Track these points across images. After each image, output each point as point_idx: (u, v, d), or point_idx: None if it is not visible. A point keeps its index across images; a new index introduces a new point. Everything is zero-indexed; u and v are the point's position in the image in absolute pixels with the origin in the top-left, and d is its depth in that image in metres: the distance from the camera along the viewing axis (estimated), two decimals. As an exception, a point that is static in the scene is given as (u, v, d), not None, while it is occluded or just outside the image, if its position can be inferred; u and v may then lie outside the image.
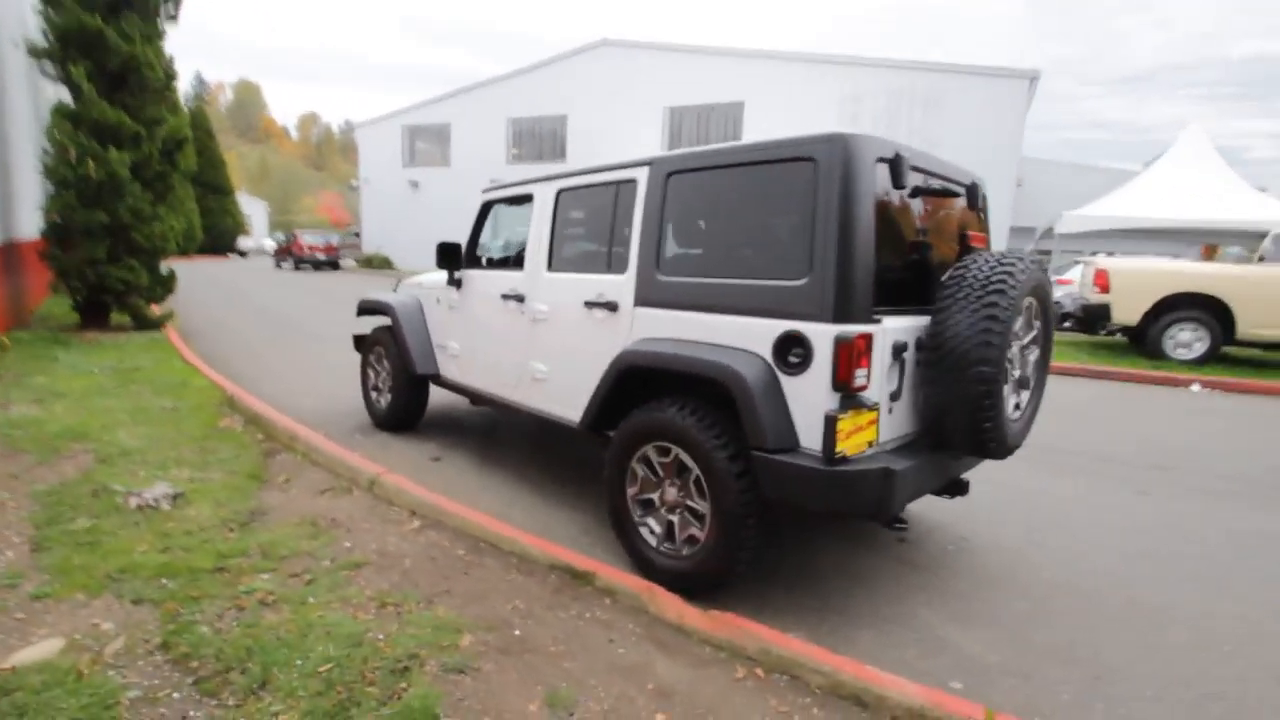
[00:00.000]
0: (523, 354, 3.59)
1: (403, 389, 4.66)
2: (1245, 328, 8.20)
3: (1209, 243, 16.58)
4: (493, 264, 4.32)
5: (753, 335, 2.43)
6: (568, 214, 3.42)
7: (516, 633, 2.29)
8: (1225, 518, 3.78)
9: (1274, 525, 3.69)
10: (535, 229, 3.54)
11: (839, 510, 2.29)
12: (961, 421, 2.40)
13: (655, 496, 2.78)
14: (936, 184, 2.69)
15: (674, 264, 2.79)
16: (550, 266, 3.42)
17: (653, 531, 2.79)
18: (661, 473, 2.74)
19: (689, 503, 2.64)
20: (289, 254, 26.46)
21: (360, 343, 5.23)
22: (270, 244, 41.16)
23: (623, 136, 21.30)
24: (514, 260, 4.38)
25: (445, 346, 4.38)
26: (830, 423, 2.18)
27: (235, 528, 3.04)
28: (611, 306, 2.98)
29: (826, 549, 3.21)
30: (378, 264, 27.25)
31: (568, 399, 3.30)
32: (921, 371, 2.47)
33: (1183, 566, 3.15)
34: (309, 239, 26.37)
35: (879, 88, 17.68)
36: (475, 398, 4.25)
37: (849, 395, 2.24)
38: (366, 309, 5.05)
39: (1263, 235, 15.41)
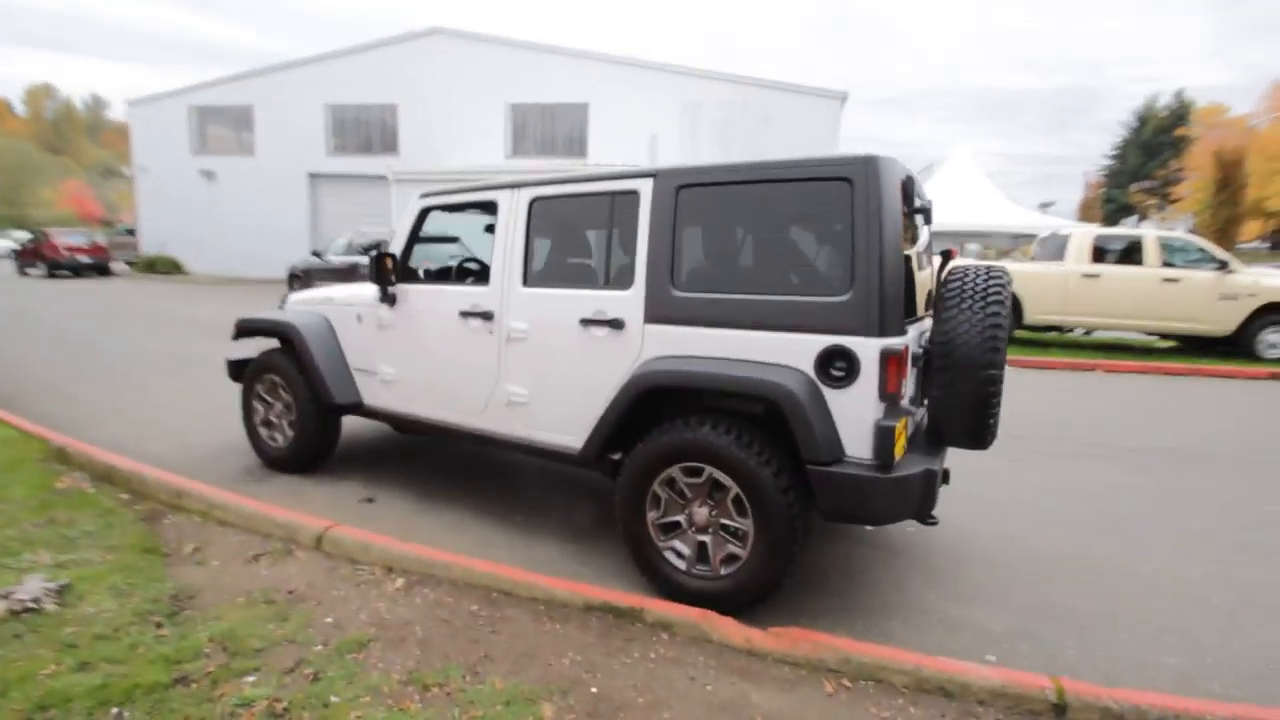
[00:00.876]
0: (491, 377, 3.28)
1: (311, 423, 4.02)
2: (1031, 314, 10.03)
3: (968, 243, 20.03)
4: (432, 277, 3.87)
5: (792, 351, 2.46)
6: (544, 225, 3.18)
7: (593, 690, 2.09)
8: (1091, 476, 4.60)
9: (1127, 479, 4.57)
10: (503, 240, 3.24)
11: (892, 516, 2.41)
12: (968, 418, 2.64)
13: (682, 519, 2.71)
14: (924, 203, 2.93)
15: (691, 279, 2.72)
16: (526, 281, 3.16)
17: (679, 555, 2.72)
18: (690, 494, 2.67)
19: (724, 521, 2.61)
20: (39, 257, 21.45)
21: (240, 370, 4.41)
22: (3, 246, 33.04)
23: (463, 130, 20.30)
24: (458, 273, 3.99)
25: (373, 371, 3.85)
26: (888, 433, 2.28)
27: (162, 621, 2.41)
28: (616, 324, 2.83)
29: (808, 549, 3.35)
30: (163, 268, 23.08)
31: (559, 424, 3.08)
32: (930, 375, 2.67)
33: (1083, 520, 3.78)
34: (67, 238, 21.60)
35: (715, 99, 18.78)
36: (413, 427, 3.80)
37: (893, 404, 2.36)
38: (250, 329, 4.28)
39: (1017, 237, 18.87)
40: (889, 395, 2.33)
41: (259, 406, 4.30)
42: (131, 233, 26.65)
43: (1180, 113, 43.62)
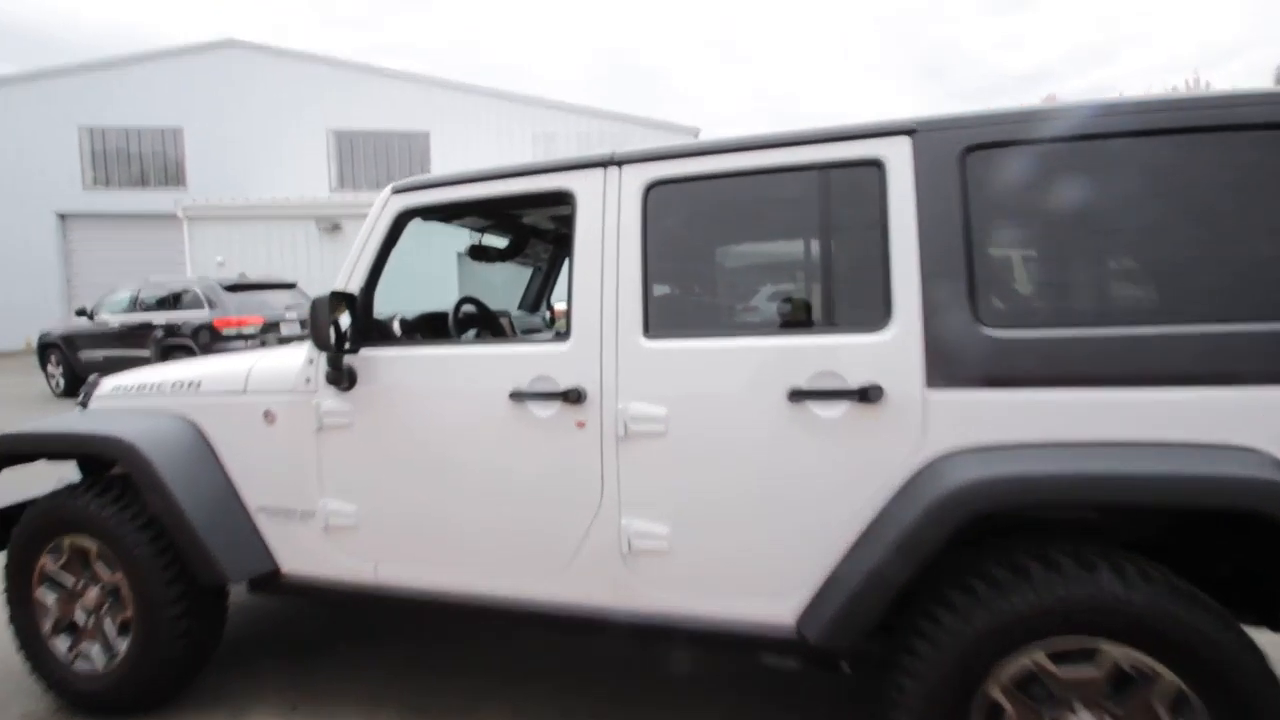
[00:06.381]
0: (587, 504, 1.80)
1: (172, 622, 2.12)
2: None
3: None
4: (418, 331, 2.26)
5: (1249, 419, 1.40)
6: (678, 228, 1.82)
7: None
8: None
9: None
10: (590, 259, 1.81)
11: None
12: None
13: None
14: None
15: (1015, 307, 1.57)
16: (649, 329, 1.76)
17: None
18: (1060, 693, 1.47)
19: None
20: None
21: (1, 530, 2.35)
22: None
23: (273, 159, 17.24)
24: (459, 325, 2.40)
25: (303, 511, 2.10)
26: None
27: None
28: (865, 394, 1.56)
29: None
30: None
31: (739, 581, 1.70)
32: None
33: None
34: None
35: (570, 130, 18.05)
36: (399, 602, 2.12)
37: None
38: (22, 452, 2.31)
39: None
40: None
41: (47, 599, 2.27)
42: None
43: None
